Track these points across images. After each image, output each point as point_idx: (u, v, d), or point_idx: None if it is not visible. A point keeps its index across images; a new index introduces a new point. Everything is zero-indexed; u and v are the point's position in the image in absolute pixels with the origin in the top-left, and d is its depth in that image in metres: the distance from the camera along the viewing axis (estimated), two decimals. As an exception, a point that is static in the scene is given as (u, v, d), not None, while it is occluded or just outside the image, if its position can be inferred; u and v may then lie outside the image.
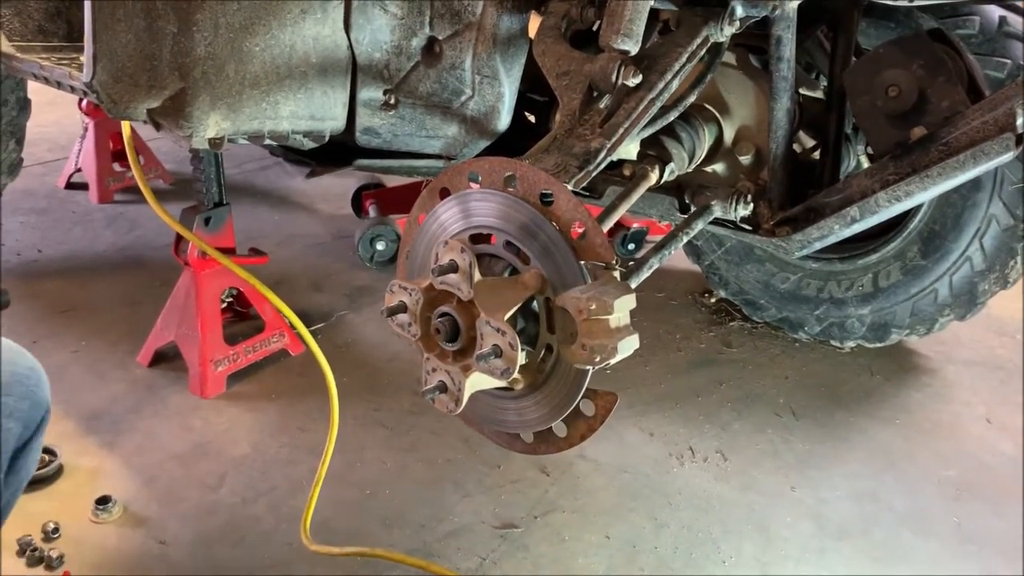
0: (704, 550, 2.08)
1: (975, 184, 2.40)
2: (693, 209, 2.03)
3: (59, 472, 2.22)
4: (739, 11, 1.77)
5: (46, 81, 2.22)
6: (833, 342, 2.89)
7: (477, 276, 1.41)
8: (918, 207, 2.50)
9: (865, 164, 2.26)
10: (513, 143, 2.14)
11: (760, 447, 2.46)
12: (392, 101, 2.11)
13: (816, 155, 2.12)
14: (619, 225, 3.52)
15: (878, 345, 2.81)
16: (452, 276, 1.43)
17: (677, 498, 2.24)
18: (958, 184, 1.78)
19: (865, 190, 1.78)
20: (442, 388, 1.46)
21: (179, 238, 2.58)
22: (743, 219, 1.98)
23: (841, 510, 2.23)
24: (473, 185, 1.54)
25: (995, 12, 2.27)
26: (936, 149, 1.67)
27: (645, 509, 2.20)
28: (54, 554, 1.94)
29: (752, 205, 1.96)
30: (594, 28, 1.98)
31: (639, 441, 2.46)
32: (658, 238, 2.01)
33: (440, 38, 2.03)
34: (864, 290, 2.69)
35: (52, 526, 2.02)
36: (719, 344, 3.00)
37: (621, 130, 1.66)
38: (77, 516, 2.08)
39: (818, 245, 1.92)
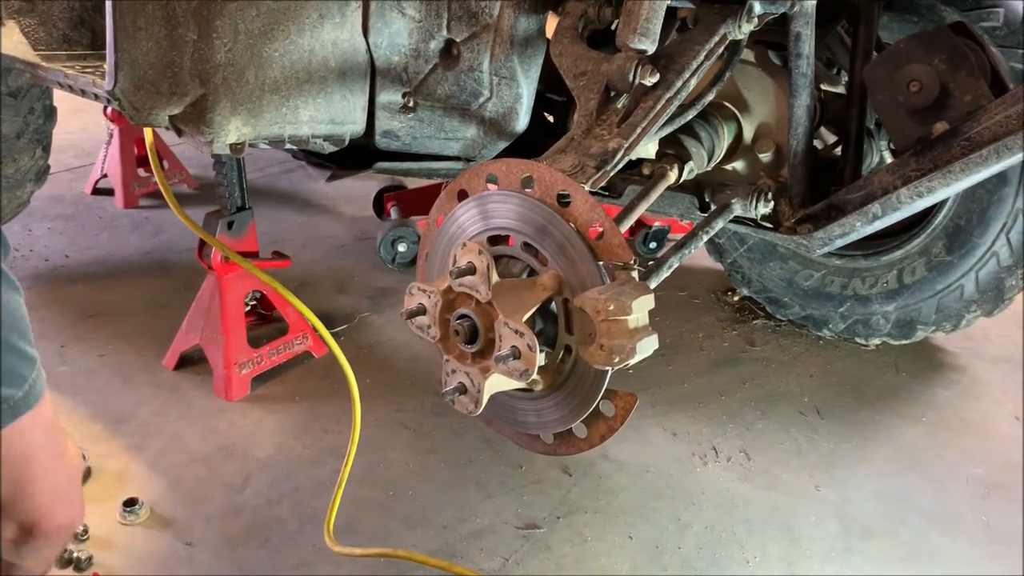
0: (728, 550, 2.06)
1: (1001, 178, 2.36)
2: (713, 207, 2.03)
3: (87, 475, 2.25)
4: (757, 8, 1.77)
5: (71, 89, 2.25)
6: (858, 339, 2.87)
7: (495, 278, 1.42)
8: (943, 202, 2.47)
9: (889, 159, 2.24)
10: (532, 143, 2.14)
11: (784, 446, 2.45)
12: (411, 104, 2.12)
13: (838, 151, 2.10)
14: (640, 223, 3.51)
15: (904, 342, 2.78)
16: (470, 278, 1.44)
17: (700, 498, 2.23)
18: (982, 179, 1.76)
19: (887, 186, 1.76)
20: (462, 390, 1.46)
21: (203, 242, 2.60)
22: (764, 217, 1.97)
23: (867, 509, 2.21)
24: (491, 187, 1.55)
25: (1019, 4, 2.24)
26: (958, 144, 1.65)
27: (668, 509, 2.19)
28: (83, 555, 1.97)
29: (773, 203, 1.95)
30: (612, 28, 1.98)
31: (662, 441, 2.45)
32: (680, 236, 2.00)
33: (458, 40, 2.04)
34: (889, 287, 2.66)
35: (81, 528, 2.05)
36: (742, 343, 2.98)
37: (639, 130, 1.66)
38: (105, 518, 2.11)
39: (840, 242, 1.91)
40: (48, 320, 3.01)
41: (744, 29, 1.79)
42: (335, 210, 4.12)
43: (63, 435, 1.12)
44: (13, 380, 1.00)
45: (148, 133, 2.67)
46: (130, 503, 2.13)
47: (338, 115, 2.05)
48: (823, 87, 2.07)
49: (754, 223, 2.01)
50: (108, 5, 1.78)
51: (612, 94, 1.74)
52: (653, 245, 3.58)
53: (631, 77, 1.67)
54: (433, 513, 2.16)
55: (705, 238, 1.79)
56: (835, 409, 2.62)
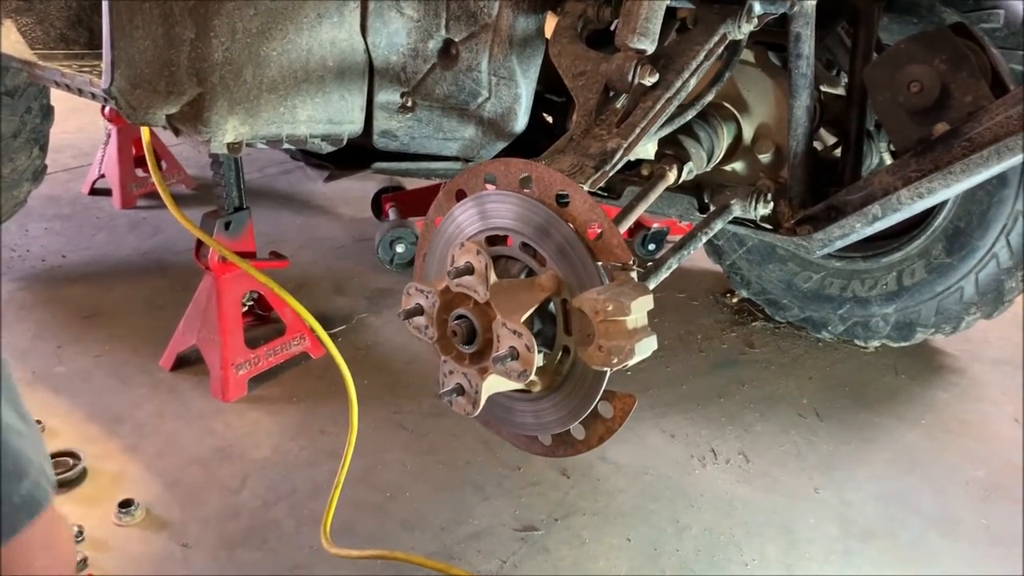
0: (726, 552, 2.06)
1: (1001, 180, 2.36)
2: (712, 208, 2.02)
3: (83, 476, 2.24)
4: (757, 8, 1.76)
5: (68, 88, 2.24)
6: (857, 342, 2.86)
7: (493, 278, 1.41)
8: (943, 204, 2.47)
9: (888, 160, 2.23)
10: (531, 144, 2.14)
11: (783, 448, 2.44)
12: (409, 104, 2.11)
13: (838, 152, 2.09)
14: (639, 225, 3.50)
15: (903, 344, 2.77)
16: (468, 278, 1.43)
17: (699, 500, 2.22)
18: (982, 180, 1.76)
19: (887, 187, 1.75)
20: (459, 391, 1.45)
21: (200, 243, 2.59)
22: (763, 218, 1.96)
23: (866, 512, 2.20)
24: (489, 187, 1.54)
25: (1019, 5, 2.23)
26: (959, 145, 1.64)
27: (667, 511, 2.18)
28: (78, 557, 1.95)
29: (772, 204, 1.94)
30: (611, 28, 1.97)
31: (660, 442, 2.45)
32: (679, 237, 2.00)
33: (456, 40, 2.03)
34: (888, 289, 2.66)
35: (76, 529, 2.04)
36: (741, 344, 2.97)
37: (638, 130, 1.65)
38: (100, 519, 2.10)
39: (839, 244, 1.90)
40: (45, 321, 3.00)
41: (744, 29, 1.79)
42: (333, 211, 4.11)
43: (70, 540, 0.84)
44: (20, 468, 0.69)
45: (145, 133, 2.66)
46: (126, 504, 2.11)
47: (336, 115, 2.04)
48: (823, 88, 2.06)
49: (753, 224, 2.00)
50: (105, 4, 1.78)
51: (611, 94, 1.73)
52: (652, 247, 3.57)
53: (630, 77, 1.66)
54: (431, 515, 2.15)
55: (704, 239, 1.78)
56: (834, 411, 2.61)
